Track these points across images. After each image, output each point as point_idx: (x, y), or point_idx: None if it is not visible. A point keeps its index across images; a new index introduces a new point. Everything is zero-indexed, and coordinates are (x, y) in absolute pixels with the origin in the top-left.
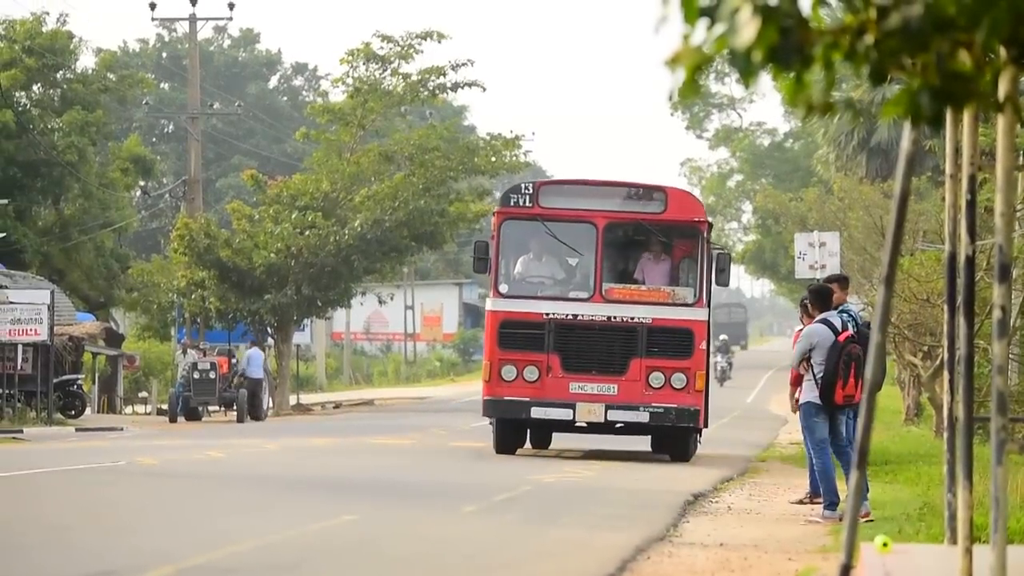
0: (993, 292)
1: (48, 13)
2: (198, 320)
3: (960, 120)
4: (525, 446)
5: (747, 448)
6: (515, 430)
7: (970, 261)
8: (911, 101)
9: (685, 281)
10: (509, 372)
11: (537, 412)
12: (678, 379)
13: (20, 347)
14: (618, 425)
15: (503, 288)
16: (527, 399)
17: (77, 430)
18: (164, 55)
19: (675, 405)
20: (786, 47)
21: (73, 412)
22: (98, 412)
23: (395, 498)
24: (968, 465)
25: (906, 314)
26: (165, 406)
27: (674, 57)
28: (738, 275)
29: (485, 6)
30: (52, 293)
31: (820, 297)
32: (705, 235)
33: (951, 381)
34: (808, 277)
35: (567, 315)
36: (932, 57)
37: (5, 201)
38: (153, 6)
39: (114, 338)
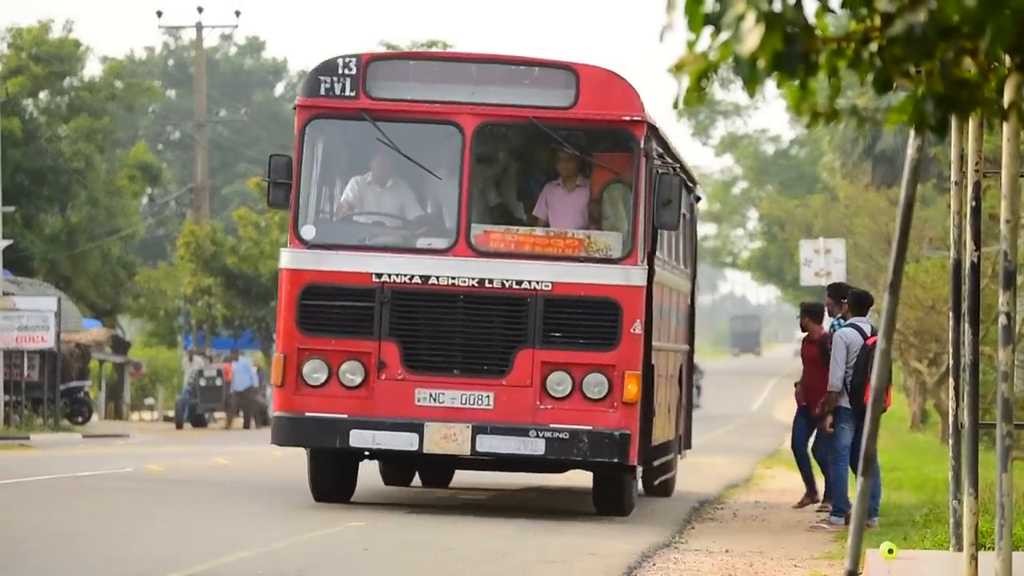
0: (998, 299)
1: (54, 20)
2: (204, 327)
3: (965, 127)
4: (414, 482)
5: (753, 455)
6: (343, 462)
7: (975, 268)
8: (916, 108)
9: (610, 221)
10: (316, 371)
11: (360, 438)
12: (595, 383)
13: (27, 354)
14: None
15: (307, 232)
16: (344, 416)
17: (84, 437)
18: (170, 62)
19: (588, 427)
20: (791, 54)
21: (80, 419)
22: (104, 419)
23: (401, 504)
24: (973, 472)
25: (911, 321)
26: (171, 413)
27: (678, 64)
28: (744, 282)
29: (491, 15)
30: (59, 300)
31: (859, 301)
32: (642, 146)
33: (956, 388)
34: (813, 284)
35: (412, 277)
36: (936, 64)
37: (12, 208)
38: (159, 14)
39: (120, 345)
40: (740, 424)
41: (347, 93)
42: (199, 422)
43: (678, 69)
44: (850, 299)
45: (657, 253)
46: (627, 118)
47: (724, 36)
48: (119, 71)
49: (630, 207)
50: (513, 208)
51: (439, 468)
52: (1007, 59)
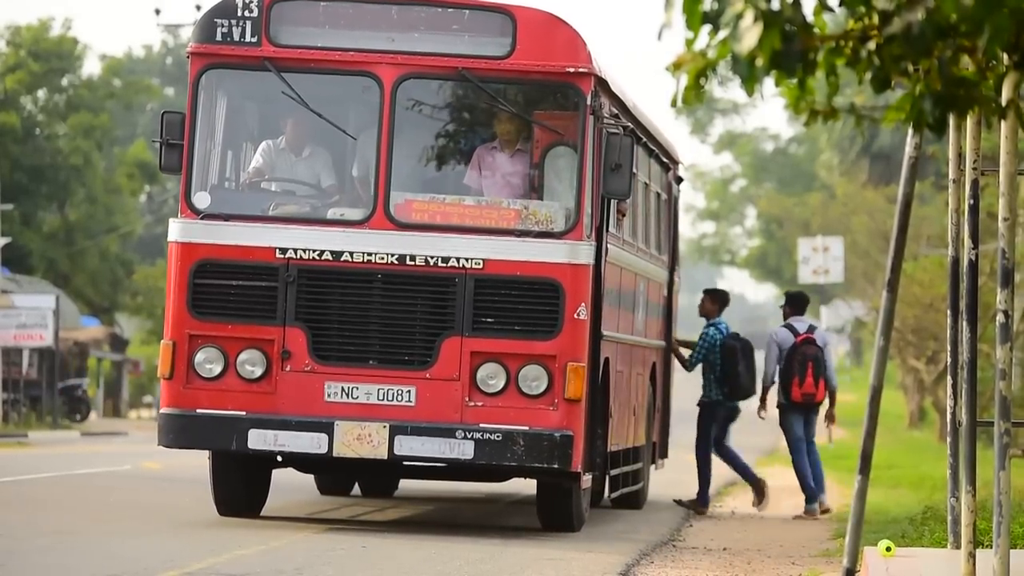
0: (996, 297)
1: (53, 18)
2: None
3: (963, 125)
4: (353, 492)
5: (751, 452)
6: (250, 469)
7: (973, 266)
8: (914, 106)
9: (551, 190)
10: (210, 361)
11: (260, 439)
12: (532, 377)
13: (26, 352)
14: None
15: (201, 200)
16: (242, 414)
17: (82, 434)
18: (169, 60)
19: (524, 427)
20: (789, 53)
21: (78, 416)
22: (103, 417)
23: (399, 503)
24: (971, 469)
25: (910, 319)
26: None
27: (677, 62)
28: (742, 280)
29: None
30: (57, 298)
31: (795, 302)
32: (588, 102)
33: (954, 386)
34: (811, 282)
35: (322, 253)
36: (934, 63)
37: (11, 206)
38: (158, 12)
39: (119, 343)
40: (739, 422)
41: (247, 39)
42: None
43: (676, 67)
44: (787, 300)
45: (612, 230)
46: (571, 69)
47: (722, 34)
48: (117, 69)
49: (575, 173)
50: (440, 174)
51: (380, 475)
52: (1005, 57)
